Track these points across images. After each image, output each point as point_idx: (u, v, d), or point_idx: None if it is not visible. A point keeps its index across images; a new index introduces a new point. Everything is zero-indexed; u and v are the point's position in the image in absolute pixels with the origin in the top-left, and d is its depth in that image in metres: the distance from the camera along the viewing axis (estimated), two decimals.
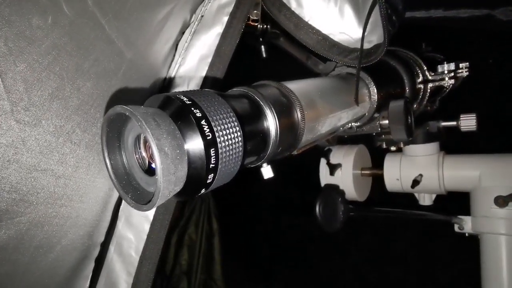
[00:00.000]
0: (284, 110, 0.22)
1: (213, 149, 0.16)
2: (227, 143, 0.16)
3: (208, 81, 0.38)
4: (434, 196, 0.72)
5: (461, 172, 0.64)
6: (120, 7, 0.29)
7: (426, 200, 0.72)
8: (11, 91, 0.23)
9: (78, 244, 0.35)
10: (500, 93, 0.85)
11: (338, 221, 0.47)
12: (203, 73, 0.38)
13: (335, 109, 0.28)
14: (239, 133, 0.17)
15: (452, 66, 0.46)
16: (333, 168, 0.77)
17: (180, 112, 0.15)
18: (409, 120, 0.36)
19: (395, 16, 0.31)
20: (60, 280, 0.34)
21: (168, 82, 0.39)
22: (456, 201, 0.68)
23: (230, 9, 0.39)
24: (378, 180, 0.77)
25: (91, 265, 0.36)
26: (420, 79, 0.45)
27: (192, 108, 0.16)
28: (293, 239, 1.94)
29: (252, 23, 0.38)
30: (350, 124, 0.37)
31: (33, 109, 0.26)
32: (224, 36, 0.38)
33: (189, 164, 0.15)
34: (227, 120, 0.17)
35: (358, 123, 0.37)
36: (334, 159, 0.79)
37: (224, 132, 0.16)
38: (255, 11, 0.38)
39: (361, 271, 1.74)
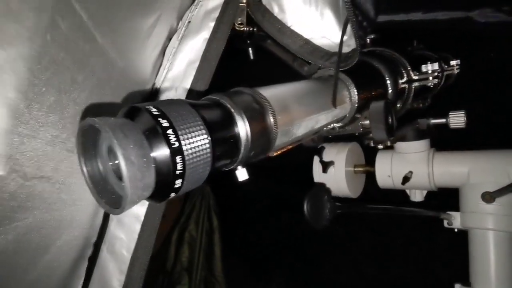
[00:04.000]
0: (255, 116, 0.23)
1: (179, 156, 0.17)
2: (194, 150, 0.18)
3: (195, 85, 0.39)
4: (425, 192, 0.73)
5: (450, 169, 0.65)
6: (111, 18, 0.31)
7: (417, 196, 0.73)
8: (13, 109, 0.25)
9: (72, 245, 0.36)
10: (488, 91, 0.85)
11: (325, 218, 0.49)
12: (191, 78, 0.40)
13: (311, 112, 0.29)
14: (206, 141, 0.19)
15: (435, 66, 0.47)
16: (325, 166, 0.78)
17: (147, 122, 0.17)
18: (390, 120, 0.37)
19: (366, 22, 0.32)
20: (56, 279, 0.36)
21: (157, 88, 0.41)
22: (447, 197, 0.69)
23: (216, 14, 0.40)
24: (372, 177, 0.78)
25: (85, 264, 0.37)
26: (404, 79, 0.46)
27: (159, 119, 0.17)
28: (293, 236, 1.96)
29: (238, 28, 0.39)
30: (332, 125, 0.38)
31: (32, 122, 0.27)
32: (210, 41, 0.40)
33: (157, 171, 0.17)
34: (195, 129, 0.18)
35: (340, 124, 0.38)
36: (327, 156, 0.80)
37: (191, 140, 0.18)
38: (240, 17, 0.40)
39: (360, 268, 1.76)
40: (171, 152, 0.17)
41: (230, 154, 0.22)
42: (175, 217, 1.98)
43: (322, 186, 0.53)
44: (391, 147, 0.62)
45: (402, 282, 1.44)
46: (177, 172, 0.17)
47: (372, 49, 0.50)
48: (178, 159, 0.17)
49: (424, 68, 0.47)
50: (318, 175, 0.80)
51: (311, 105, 0.30)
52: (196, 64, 0.39)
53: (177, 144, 0.17)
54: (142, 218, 0.37)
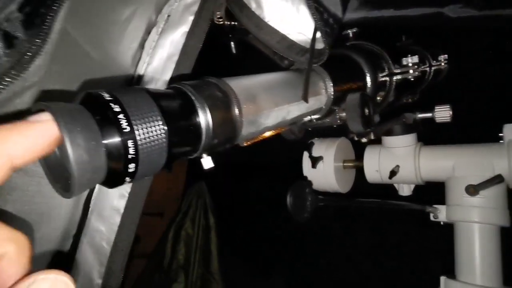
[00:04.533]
0: (218, 104, 0.23)
1: (131, 141, 0.18)
2: (147, 135, 0.18)
3: (175, 79, 0.40)
4: (412, 186, 0.73)
5: (436, 163, 0.65)
6: (83, 10, 0.31)
7: (405, 190, 0.73)
8: None
9: (51, 237, 0.37)
10: (472, 86, 0.85)
11: (307, 211, 0.49)
12: (170, 71, 0.40)
13: (282, 103, 0.30)
14: (161, 127, 0.19)
15: (415, 59, 0.47)
16: (315, 161, 0.78)
17: (98, 107, 0.17)
18: (366, 112, 0.37)
19: (333, 20, 0.32)
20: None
21: (137, 81, 0.41)
22: (435, 191, 0.69)
23: (195, 8, 0.40)
24: (362, 172, 0.78)
25: (64, 256, 0.38)
26: (385, 73, 0.46)
27: (111, 104, 0.17)
28: (291, 233, 1.96)
29: (218, 22, 0.40)
30: (309, 117, 0.39)
31: None
32: (190, 34, 0.40)
33: (108, 155, 0.17)
34: (149, 115, 0.19)
35: (318, 116, 0.39)
36: (316, 152, 0.80)
37: (144, 126, 0.18)
38: (219, 11, 0.40)
39: (357, 264, 1.76)
40: (122, 136, 0.17)
41: (190, 141, 0.22)
42: (172, 216, 1.98)
43: (304, 180, 0.53)
44: (371, 142, 0.62)
45: (397, 276, 1.45)
46: (129, 156, 0.18)
47: (355, 42, 0.51)
48: (129, 143, 0.17)
49: (404, 61, 0.47)
50: (307, 170, 0.80)
51: (281, 96, 0.30)
52: (176, 58, 0.39)
53: (128, 128, 0.17)
54: (122, 210, 0.38)
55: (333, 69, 0.38)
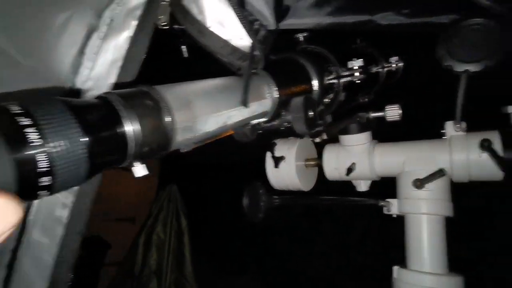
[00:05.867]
0: (147, 112, 0.23)
1: (42, 154, 0.17)
2: (63, 147, 0.18)
3: (119, 85, 0.39)
4: (369, 182, 0.77)
5: (388, 159, 0.69)
6: (7, 15, 0.29)
7: (362, 186, 0.77)
8: None
9: None
10: (420, 87, 0.91)
11: (261, 211, 0.50)
12: (114, 77, 0.39)
13: (221, 108, 0.30)
14: (79, 138, 0.19)
15: (360, 62, 0.49)
16: (277, 161, 0.80)
17: (6, 121, 0.17)
18: (311, 114, 0.39)
19: (264, 29, 0.33)
20: None
21: (79, 88, 0.40)
22: (390, 186, 0.73)
23: (139, 12, 0.40)
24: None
25: (2, 272, 0.36)
26: (332, 76, 0.48)
27: (21, 117, 0.17)
28: (263, 232, 1.98)
29: (162, 27, 0.39)
30: (257, 120, 0.40)
31: None
32: (134, 39, 0.39)
33: (19, 169, 0.17)
34: (65, 126, 0.18)
35: (265, 119, 0.40)
36: (278, 152, 0.82)
37: (60, 138, 0.18)
38: (163, 16, 0.40)
39: (325, 258, 1.82)
40: (29, 149, 0.17)
41: (115, 151, 0.22)
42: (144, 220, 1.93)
43: (257, 182, 0.54)
44: (326, 142, 0.64)
45: (363, 268, 1.51)
46: (41, 169, 0.17)
47: (304, 46, 0.52)
48: (40, 156, 0.17)
49: (349, 64, 0.50)
50: (270, 170, 0.82)
51: (220, 102, 0.31)
52: (120, 63, 0.39)
53: (39, 142, 0.17)
54: (65, 220, 0.37)
55: (278, 73, 0.39)
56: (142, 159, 0.24)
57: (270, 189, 0.81)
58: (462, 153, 0.60)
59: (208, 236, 2.07)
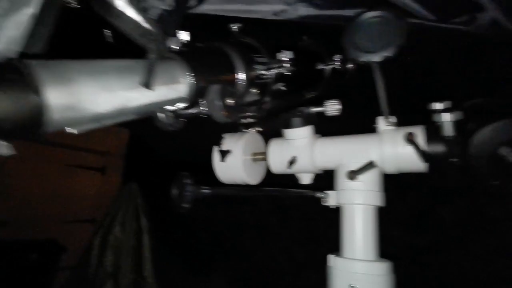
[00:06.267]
0: (8, 86, 0.22)
1: None
2: None
3: None
4: (312, 175, 0.79)
5: (327, 153, 0.71)
6: None
7: (305, 179, 0.79)
8: None
9: None
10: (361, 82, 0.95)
11: (187, 202, 0.50)
12: (14, 55, 0.37)
13: (114, 88, 0.29)
14: None
15: (289, 54, 0.51)
16: (223, 155, 0.80)
17: None
18: (229, 102, 0.39)
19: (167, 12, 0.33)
20: None
21: None
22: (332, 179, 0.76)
23: None
24: None
25: None
26: (260, 66, 0.49)
27: None
28: (228, 229, 1.97)
29: (68, 5, 0.38)
30: (173, 107, 0.39)
31: None
32: (37, 16, 0.37)
33: None
34: None
35: (182, 106, 0.39)
36: (225, 145, 0.82)
37: None
38: None
39: (292, 253, 1.84)
40: None
41: None
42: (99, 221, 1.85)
43: (185, 173, 0.54)
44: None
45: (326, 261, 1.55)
46: None
47: (235, 37, 0.52)
48: None
49: (279, 56, 0.51)
50: (217, 164, 0.81)
51: (114, 81, 0.30)
52: (21, 41, 0.36)
53: None
54: None
55: (198, 59, 0.39)
56: (6, 137, 0.22)
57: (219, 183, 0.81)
58: (391, 146, 0.63)
59: (173, 235, 2.03)
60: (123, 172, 2.26)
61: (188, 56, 0.38)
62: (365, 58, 0.37)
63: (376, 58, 0.37)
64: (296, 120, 0.74)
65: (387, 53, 0.36)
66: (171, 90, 0.36)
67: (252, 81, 0.46)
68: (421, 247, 1.48)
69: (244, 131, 0.81)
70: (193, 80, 0.38)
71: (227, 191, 0.60)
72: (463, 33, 0.58)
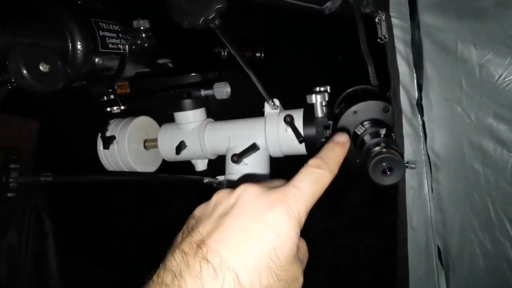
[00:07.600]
0: None
1: None
2: None
3: None
4: (206, 161, 0.76)
5: (216, 137, 0.69)
6: None
7: (199, 166, 0.76)
8: None
9: None
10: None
11: (12, 191, 0.43)
12: None
13: None
14: None
15: (147, 23, 0.46)
16: (107, 141, 0.72)
17: None
18: (43, 68, 0.33)
19: None
20: None
21: None
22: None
23: None
24: None
25: None
26: (109, 34, 0.43)
27: None
28: (158, 225, 1.85)
29: None
30: None
31: None
32: None
33: None
34: None
35: None
36: (110, 131, 0.74)
37: None
38: None
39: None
40: None
41: None
42: None
43: (13, 157, 0.46)
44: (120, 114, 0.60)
45: None
46: None
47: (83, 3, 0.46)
48: None
49: (135, 24, 0.46)
50: (101, 151, 0.73)
51: None
52: None
53: None
54: None
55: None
56: None
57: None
58: (273, 129, 0.63)
59: (92, 234, 1.83)
60: (33, 168, 1.96)
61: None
62: (184, 21, 0.35)
63: (193, 22, 0.35)
64: (188, 102, 0.70)
65: (206, 15, 0.35)
66: None
67: (95, 50, 0.41)
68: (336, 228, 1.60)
69: (132, 118, 0.75)
70: None
71: (81, 179, 0.53)
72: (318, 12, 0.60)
